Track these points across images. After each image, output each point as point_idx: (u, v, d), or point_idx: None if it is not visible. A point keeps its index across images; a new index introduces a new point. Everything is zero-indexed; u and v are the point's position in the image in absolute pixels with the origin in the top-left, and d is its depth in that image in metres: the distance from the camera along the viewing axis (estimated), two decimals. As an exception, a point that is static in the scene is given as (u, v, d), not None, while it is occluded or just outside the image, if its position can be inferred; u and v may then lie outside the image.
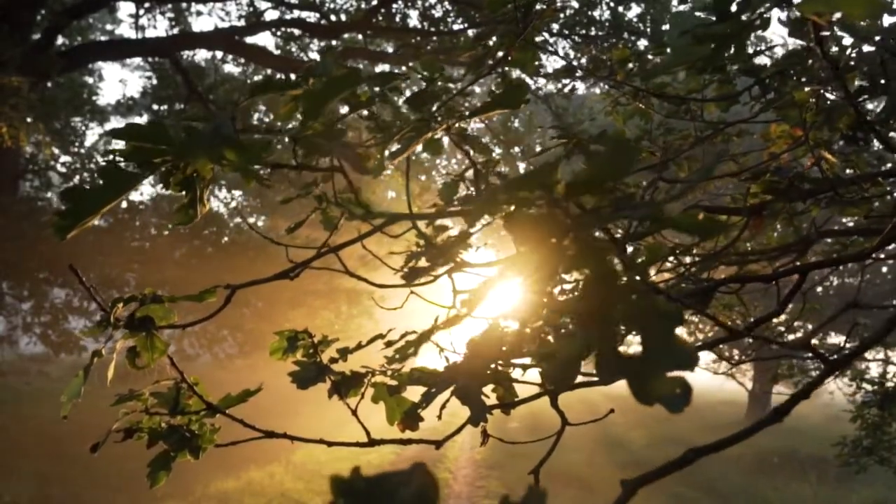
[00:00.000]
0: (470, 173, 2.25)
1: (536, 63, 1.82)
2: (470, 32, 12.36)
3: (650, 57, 2.12)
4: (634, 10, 12.31)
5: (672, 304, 0.51)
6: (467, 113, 0.88)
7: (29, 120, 8.56)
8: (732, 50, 0.88)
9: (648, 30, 11.96)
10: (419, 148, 1.74)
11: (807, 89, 1.66)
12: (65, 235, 0.86)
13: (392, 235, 2.19)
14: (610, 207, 0.57)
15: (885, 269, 18.36)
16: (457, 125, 1.00)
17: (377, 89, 1.97)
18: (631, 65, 2.16)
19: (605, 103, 2.99)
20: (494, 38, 1.72)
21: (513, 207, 0.71)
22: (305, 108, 0.80)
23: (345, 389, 1.13)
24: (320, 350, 1.19)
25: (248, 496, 8.69)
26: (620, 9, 11.62)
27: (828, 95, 1.75)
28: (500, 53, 1.95)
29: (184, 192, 0.95)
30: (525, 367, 1.48)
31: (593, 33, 11.77)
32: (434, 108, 0.98)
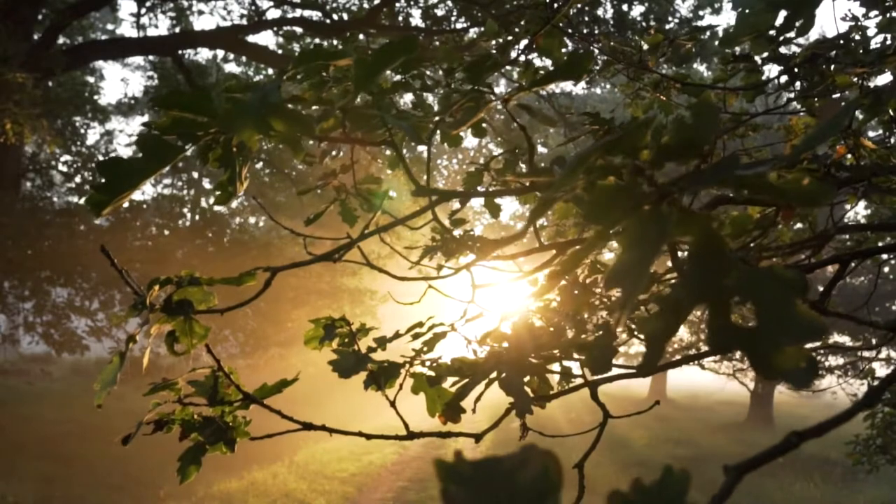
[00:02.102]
0: (492, 163, 2.20)
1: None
2: (472, 32, 12.32)
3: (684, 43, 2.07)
4: (638, 10, 12.30)
5: (791, 270, 0.47)
6: (525, 84, 0.84)
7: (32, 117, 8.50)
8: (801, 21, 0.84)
9: (652, 29, 11.93)
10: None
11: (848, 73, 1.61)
12: (100, 211, 0.81)
13: (413, 228, 2.14)
14: (711, 171, 0.52)
15: (886, 269, 18.32)
16: (515, 96, 0.96)
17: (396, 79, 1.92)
18: (661, 51, 2.11)
19: (621, 97, 2.94)
20: (522, 24, 1.67)
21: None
22: (357, 77, 0.75)
23: (383, 380, 1.09)
24: (358, 338, 1.14)
25: (251, 496, 8.63)
26: (625, 7, 11.60)
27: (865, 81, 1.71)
28: (526, 41, 1.91)
29: (222, 169, 0.90)
30: (562, 359, 1.44)
31: (597, 31, 11.73)
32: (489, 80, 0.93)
